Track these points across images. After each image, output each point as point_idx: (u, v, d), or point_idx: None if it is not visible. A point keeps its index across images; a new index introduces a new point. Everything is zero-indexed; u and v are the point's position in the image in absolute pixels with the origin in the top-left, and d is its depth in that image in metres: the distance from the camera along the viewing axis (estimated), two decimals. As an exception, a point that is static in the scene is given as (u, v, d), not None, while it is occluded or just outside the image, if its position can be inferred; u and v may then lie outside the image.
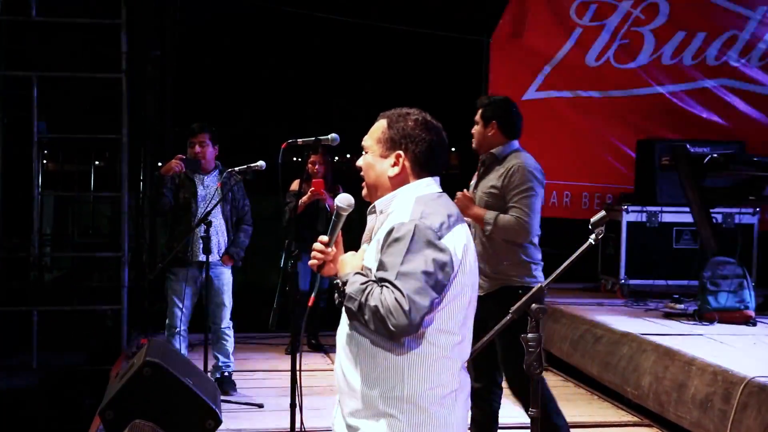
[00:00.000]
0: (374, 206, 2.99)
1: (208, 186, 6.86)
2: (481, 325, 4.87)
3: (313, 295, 2.91)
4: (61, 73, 8.64)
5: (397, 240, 2.79)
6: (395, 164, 2.95)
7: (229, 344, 6.94)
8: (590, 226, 3.36)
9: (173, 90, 10.55)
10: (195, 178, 6.86)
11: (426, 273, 2.75)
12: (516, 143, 5.07)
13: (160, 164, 9.23)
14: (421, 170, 2.97)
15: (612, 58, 9.39)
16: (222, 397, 5.96)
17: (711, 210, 8.10)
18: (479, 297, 4.82)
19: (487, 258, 4.95)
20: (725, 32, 9.25)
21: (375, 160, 2.98)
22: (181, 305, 6.80)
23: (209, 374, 6.62)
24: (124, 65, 8.02)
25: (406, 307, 2.70)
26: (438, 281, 2.78)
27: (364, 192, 3.05)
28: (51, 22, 8.91)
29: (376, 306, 2.72)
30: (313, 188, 7.48)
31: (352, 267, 2.90)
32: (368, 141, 3.02)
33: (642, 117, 9.48)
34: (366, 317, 2.75)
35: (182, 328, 6.85)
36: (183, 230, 6.79)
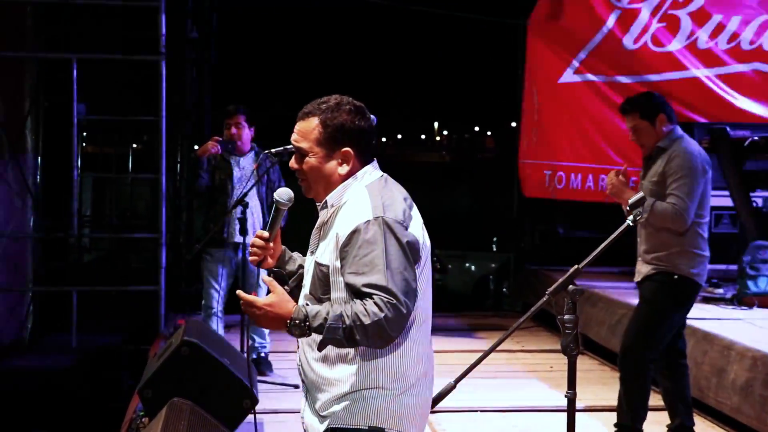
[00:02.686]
0: (325, 201, 2.90)
1: (244, 167, 6.87)
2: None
3: (254, 291, 2.92)
4: (100, 55, 8.68)
5: (369, 241, 2.70)
6: (343, 162, 2.87)
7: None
8: (628, 208, 3.33)
9: (210, 72, 10.59)
10: (231, 159, 6.88)
11: (407, 269, 2.70)
12: (678, 129, 5.06)
13: (196, 146, 9.28)
14: (364, 159, 2.90)
15: (650, 42, 9.28)
16: (258, 378, 6.00)
17: (751, 193, 8.00)
18: (638, 282, 5.08)
19: (652, 245, 4.99)
20: (759, 16, 9.13)
21: (320, 161, 2.86)
22: (217, 286, 6.83)
23: (245, 355, 6.64)
24: (162, 47, 8.05)
25: (404, 311, 2.66)
26: (414, 272, 2.75)
27: (309, 192, 2.94)
28: (90, 5, 8.96)
29: (374, 321, 2.61)
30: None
31: (287, 308, 2.72)
32: (306, 143, 2.87)
33: (678, 101, 9.34)
34: (357, 338, 2.64)
35: (219, 308, 6.89)
36: (219, 211, 6.81)
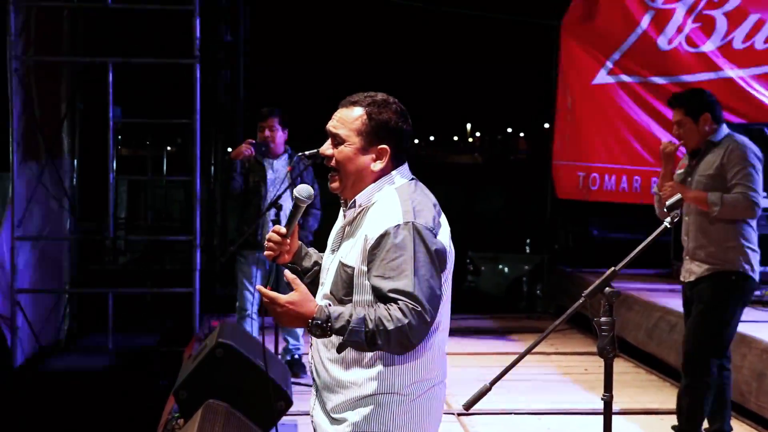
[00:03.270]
0: (354, 201, 2.85)
1: (278, 170, 6.88)
2: (686, 310, 5.12)
3: (269, 285, 2.89)
4: (135, 59, 8.76)
5: (398, 246, 2.68)
6: (378, 158, 2.82)
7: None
8: (665, 209, 3.30)
9: (244, 75, 10.63)
10: (265, 162, 6.89)
11: (433, 277, 2.69)
12: (726, 126, 5.06)
13: (230, 149, 9.31)
14: (399, 161, 2.87)
15: (684, 42, 9.21)
16: (292, 379, 6.00)
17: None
18: (690, 282, 4.99)
19: (703, 242, 4.97)
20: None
21: (355, 152, 2.81)
22: (251, 288, 6.85)
23: (279, 356, 6.66)
24: (196, 51, 8.09)
25: (428, 319, 2.65)
26: (440, 280, 2.74)
27: (337, 185, 2.87)
28: (126, 9, 9.03)
29: (397, 327, 2.61)
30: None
31: (309, 307, 2.69)
32: (344, 131, 2.82)
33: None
34: (379, 343, 2.63)
35: (253, 310, 6.90)
36: (253, 214, 6.82)
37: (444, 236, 2.80)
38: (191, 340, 7.68)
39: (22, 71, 8.14)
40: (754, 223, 5.00)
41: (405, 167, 2.89)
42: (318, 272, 3.03)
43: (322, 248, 3.11)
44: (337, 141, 2.83)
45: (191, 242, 8.39)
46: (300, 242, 3.08)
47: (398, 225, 2.70)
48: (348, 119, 2.82)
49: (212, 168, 10.59)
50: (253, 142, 6.87)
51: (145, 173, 12.56)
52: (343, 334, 2.64)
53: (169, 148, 14.52)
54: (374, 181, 2.84)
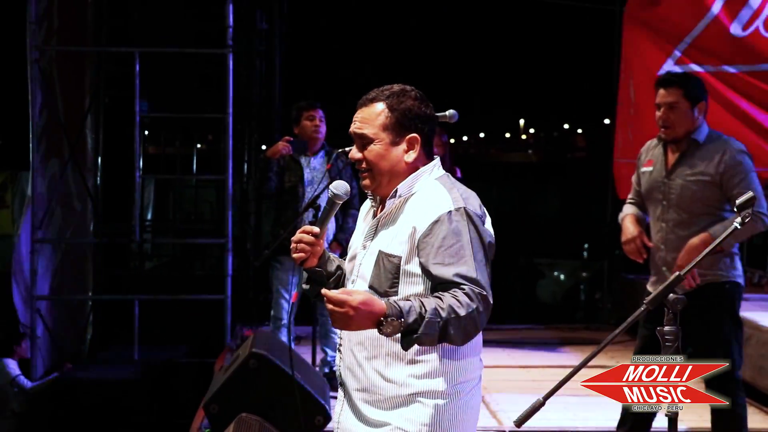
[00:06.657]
0: (396, 190, 2.94)
1: (315, 169, 6.89)
2: (648, 328, 4.86)
3: (295, 291, 2.95)
4: (164, 48, 8.82)
5: (454, 232, 2.81)
6: (410, 148, 2.94)
7: (338, 338, 6.99)
8: (735, 209, 3.28)
9: (281, 66, 10.68)
10: (301, 160, 6.90)
11: (487, 264, 2.86)
12: (706, 124, 4.92)
13: (264, 146, 9.36)
14: (429, 151, 2.98)
15: (762, 27, 9.11)
16: (331, 393, 6.04)
17: None
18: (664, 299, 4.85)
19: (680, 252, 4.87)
20: None
21: (386, 148, 2.92)
22: (287, 296, 6.87)
23: (317, 368, 6.70)
24: (229, 40, 8.13)
25: (491, 303, 2.79)
26: (489, 268, 2.89)
27: (369, 182, 2.97)
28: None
29: (468, 313, 2.71)
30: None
31: (380, 304, 2.69)
32: (370, 129, 2.92)
33: (796, 93, 9.17)
34: (451, 332, 2.70)
35: (289, 320, 6.94)
36: (289, 216, 6.83)
37: (489, 226, 2.96)
38: (222, 351, 7.74)
39: (43, 62, 8.23)
40: None
41: (437, 161, 3.00)
42: (340, 276, 3.13)
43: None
44: (365, 141, 2.94)
45: (223, 246, 8.45)
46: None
47: (450, 211, 2.84)
48: (371, 117, 2.93)
49: (245, 166, 10.65)
50: (291, 139, 6.88)
51: (174, 172, 12.66)
52: (417, 328, 2.68)
53: (199, 145, 14.66)
54: (410, 172, 2.95)
